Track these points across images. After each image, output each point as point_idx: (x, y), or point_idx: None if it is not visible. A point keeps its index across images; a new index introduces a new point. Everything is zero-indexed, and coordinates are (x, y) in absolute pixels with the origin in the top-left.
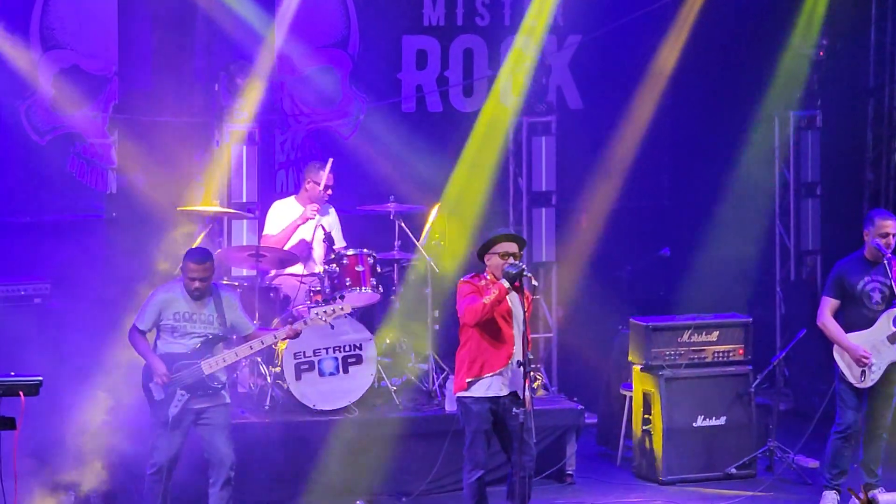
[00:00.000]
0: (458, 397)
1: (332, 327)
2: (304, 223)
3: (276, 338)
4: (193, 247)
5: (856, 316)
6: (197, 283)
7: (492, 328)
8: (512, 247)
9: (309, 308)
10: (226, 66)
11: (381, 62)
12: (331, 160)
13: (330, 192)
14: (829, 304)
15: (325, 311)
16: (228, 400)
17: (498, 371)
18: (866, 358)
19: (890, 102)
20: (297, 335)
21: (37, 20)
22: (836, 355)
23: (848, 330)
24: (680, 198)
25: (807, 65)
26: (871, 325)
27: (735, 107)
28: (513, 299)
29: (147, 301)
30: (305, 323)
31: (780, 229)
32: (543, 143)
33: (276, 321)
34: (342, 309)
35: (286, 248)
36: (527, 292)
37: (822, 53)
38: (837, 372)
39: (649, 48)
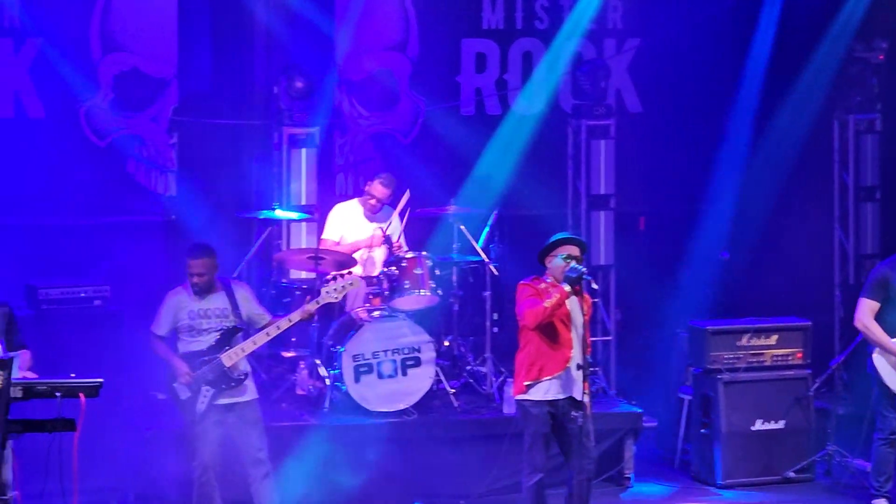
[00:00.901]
0: (517, 400)
1: (345, 302)
2: (369, 246)
3: (290, 321)
4: (196, 244)
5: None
6: (195, 279)
7: (551, 332)
8: (573, 250)
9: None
10: (285, 69)
11: (440, 65)
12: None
13: (373, 202)
14: (868, 307)
15: (334, 289)
16: (256, 395)
17: (556, 374)
18: None
19: None
20: (311, 316)
21: (97, 23)
22: (875, 360)
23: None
24: (739, 201)
25: (867, 68)
26: None
27: (794, 110)
28: (572, 303)
29: (160, 305)
30: (318, 302)
31: (839, 233)
32: (602, 147)
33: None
34: (351, 284)
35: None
36: (586, 296)
37: (881, 57)
38: (876, 377)
39: (707, 52)
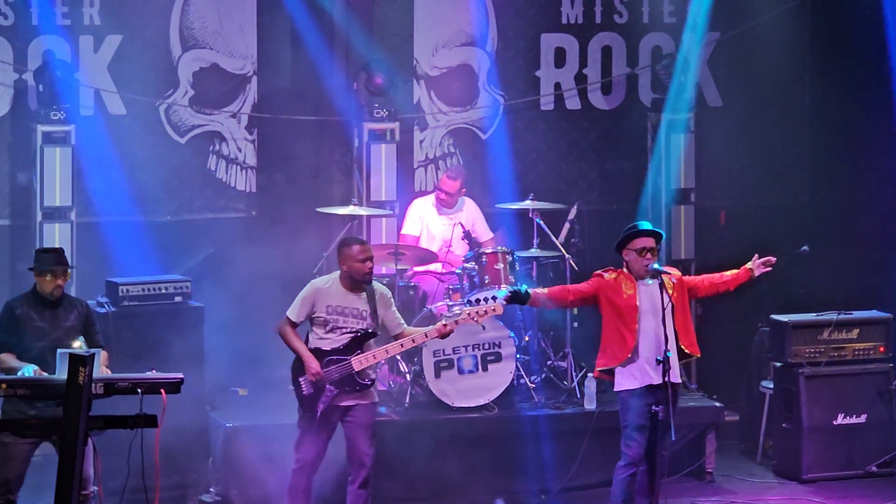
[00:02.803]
0: (617, 392)
1: (484, 328)
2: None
3: (427, 336)
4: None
5: None
6: (369, 264)
7: (613, 320)
8: (649, 242)
9: (449, 307)
10: (364, 65)
11: (519, 60)
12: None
13: (443, 196)
14: None
15: (476, 312)
16: (377, 399)
17: (620, 363)
18: None
19: None
20: (447, 335)
21: (176, 20)
22: None
23: None
24: (819, 194)
25: None
26: None
27: (875, 101)
28: (652, 294)
29: (302, 292)
30: (457, 322)
31: None
32: (683, 141)
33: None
34: (494, 310)
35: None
36: (671, 280)
37: None
38: None
39: (788, 45)
